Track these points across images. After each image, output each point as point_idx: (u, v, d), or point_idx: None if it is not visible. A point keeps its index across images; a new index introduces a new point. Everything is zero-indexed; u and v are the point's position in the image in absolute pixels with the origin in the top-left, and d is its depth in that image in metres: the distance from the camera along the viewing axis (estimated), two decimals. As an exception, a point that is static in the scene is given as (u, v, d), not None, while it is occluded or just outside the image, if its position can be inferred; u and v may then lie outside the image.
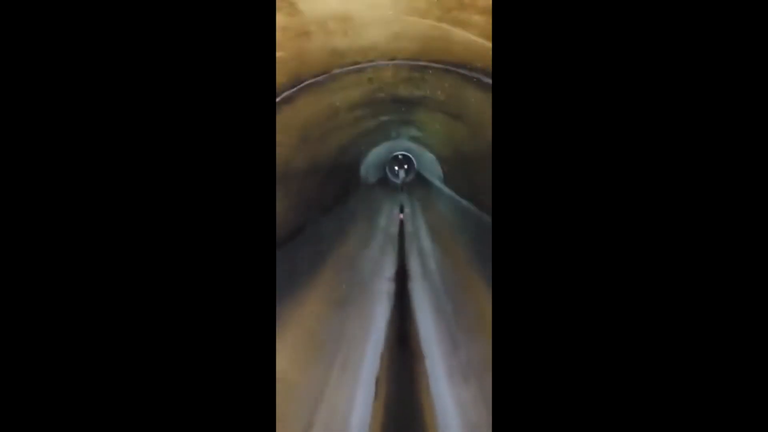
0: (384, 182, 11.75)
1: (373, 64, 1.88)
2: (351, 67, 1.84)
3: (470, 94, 2.21)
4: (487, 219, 4.50)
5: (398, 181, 12.70)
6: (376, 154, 8.31)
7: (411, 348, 3.78)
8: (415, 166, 12.28)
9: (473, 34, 1.51)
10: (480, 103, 2.39)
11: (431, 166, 8.78)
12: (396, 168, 13.27)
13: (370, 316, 4.18)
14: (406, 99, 2.87)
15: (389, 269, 5.62)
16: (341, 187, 6.31)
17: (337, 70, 1.86)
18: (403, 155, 12.26)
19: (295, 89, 1.86)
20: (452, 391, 3.22)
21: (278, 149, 2.19)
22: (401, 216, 8.78)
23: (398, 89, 2.52)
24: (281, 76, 1.68)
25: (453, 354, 3.57)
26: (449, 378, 3.33)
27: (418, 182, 11.71)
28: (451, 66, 1.88)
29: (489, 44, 1.49)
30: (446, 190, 7.49)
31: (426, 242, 6.67)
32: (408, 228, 7.82)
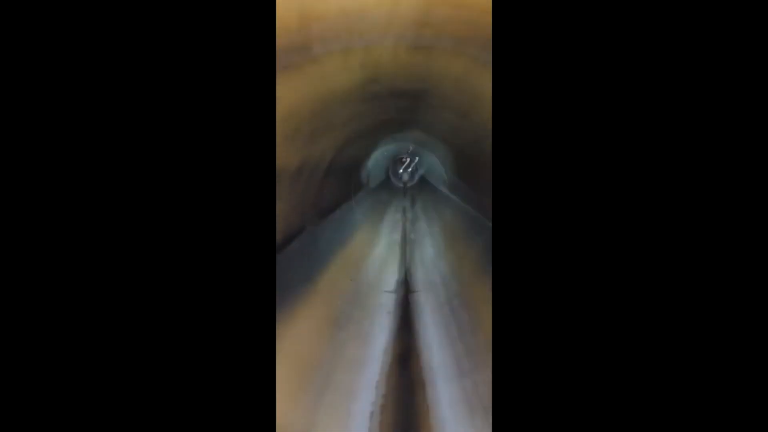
0: (386, 185, 11.38)
1: (363, 40, 1.50)
2: (332, 40, 1.45)
3: (483, 83, 1.83)
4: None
5: (401, 184, 12.30)
6: (377, 156, 7.94)
7: (411, 373, 3.39)
8: (419, 169, 11.90)
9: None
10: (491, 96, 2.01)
11: (436, 170, 8.41)
12: (399, 170, 12.88)
13: (368, 335, 3.79)
14: (408, 93, 2.49)
15: (390, 280, 5.23)
16: (340, 191, 5.94)
17: (317, 48, 1.48)
18: (406, 157, 11.86)
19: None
20: (457, 427, 2.84)
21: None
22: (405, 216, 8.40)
23: (397, 79, 2.13)
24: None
25: (458, 381, 3.18)
26: (453, 410, 2.94)
27: (422, 186, 11.33)
28: (462, 41, 1.50)
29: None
30: (452, 195, 7.10)
31: (429, 250, 6.28)
32: (411, 235, 7.44)
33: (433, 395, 3.05)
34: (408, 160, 11.72)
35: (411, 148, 8.38)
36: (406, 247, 6.96)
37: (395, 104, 2.94)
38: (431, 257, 6.09)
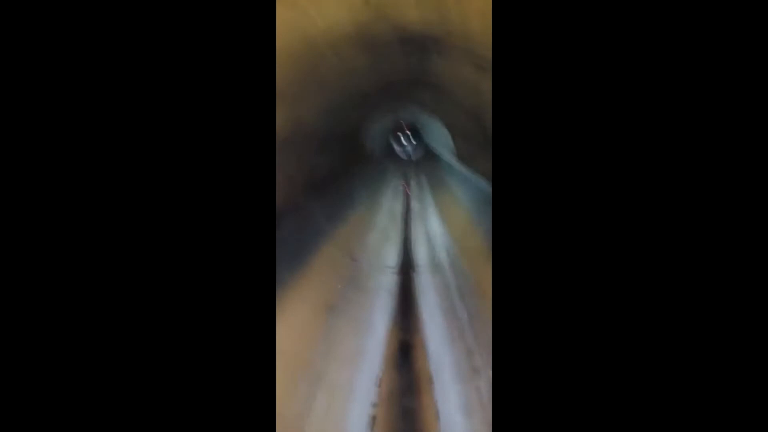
0: (389, 155, 10.81)
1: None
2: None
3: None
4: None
5: (404, 155, 11.71)
6: (381, 124, 7.39)
7: (416, 369, 3.03)
8: (423, 137, 11.26)
9: None
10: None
11: (443, 137, 7.87)
12: (402, 139, 12.27)
13: (367, 325, 3.41)
14: (421, 37, 1.97)
15: (392, 258, 4.84)
16: (338, 161, 5.46)
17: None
18: (410, 124, 11.22)
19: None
20: None
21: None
22: (405, 187, 7.96)
23: (408, 15, 1.62)
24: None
25: (470, 380, 2.82)
26: (465, 415, 2.59)
27: (428, 154, 10.76)
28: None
29: None
30: (459, 165, 6.60)
31: (435, 224, 5.85)
32: (414, 207, 7.00)
33: (442, 396, 2.69)
34: (410, 125, 11.07)
35: (406, 119, 7.82)
36: (409, 219, 6.53)
37: (405, 55, 2.41)
38: (437, 232, 5.67)
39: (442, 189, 7.35)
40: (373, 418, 2.49)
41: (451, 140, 6.79)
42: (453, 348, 3.13)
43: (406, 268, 4.63)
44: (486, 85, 2.74)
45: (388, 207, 6.79)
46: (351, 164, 6.15)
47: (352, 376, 2.85)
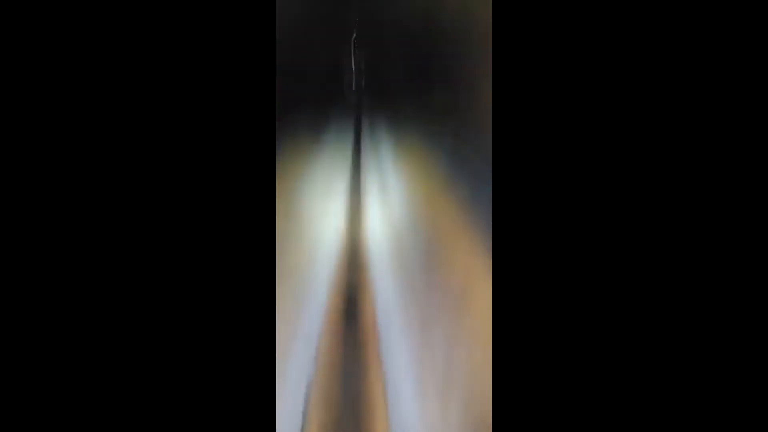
0: (334, 77, 9.97)
1: None
2: None
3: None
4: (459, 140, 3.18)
5: (353, 93, 10.78)
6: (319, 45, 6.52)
7: (361, 338, 2.62)
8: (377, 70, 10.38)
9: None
10: None
11: (395, 67, 7.10)
12: (350, 74, 11.29)
13: (307, 285, 2.93)
14: None
15: (337, 210, 4.31)
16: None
17: None
18: (360, 54, 10.23)
19: None
20: (423, 425, 2.15)
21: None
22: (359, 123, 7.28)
23: None
24: None
25: (425, 357, 2.45)
26: (420, 399, 2.24)
27: (383, 92, 10.01)
28: None
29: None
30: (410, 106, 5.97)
31: (389, 167, 5.32)
32: (367, 144, 6.41)
33: (394, 377, 2.31)
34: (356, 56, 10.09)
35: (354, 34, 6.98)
36: (360, 160, 5.97)
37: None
38: (392, 178, 5.17)
39: (397, 127, 6.77)
40: (304, 414, 2.08)
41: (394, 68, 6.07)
42: (404, 310, 2.73)
43: (354, 224, 4.16)
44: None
45: (333, 145, 6.18)
46: (285, 90, 5.38)
47: (282, 359, 2.41)
